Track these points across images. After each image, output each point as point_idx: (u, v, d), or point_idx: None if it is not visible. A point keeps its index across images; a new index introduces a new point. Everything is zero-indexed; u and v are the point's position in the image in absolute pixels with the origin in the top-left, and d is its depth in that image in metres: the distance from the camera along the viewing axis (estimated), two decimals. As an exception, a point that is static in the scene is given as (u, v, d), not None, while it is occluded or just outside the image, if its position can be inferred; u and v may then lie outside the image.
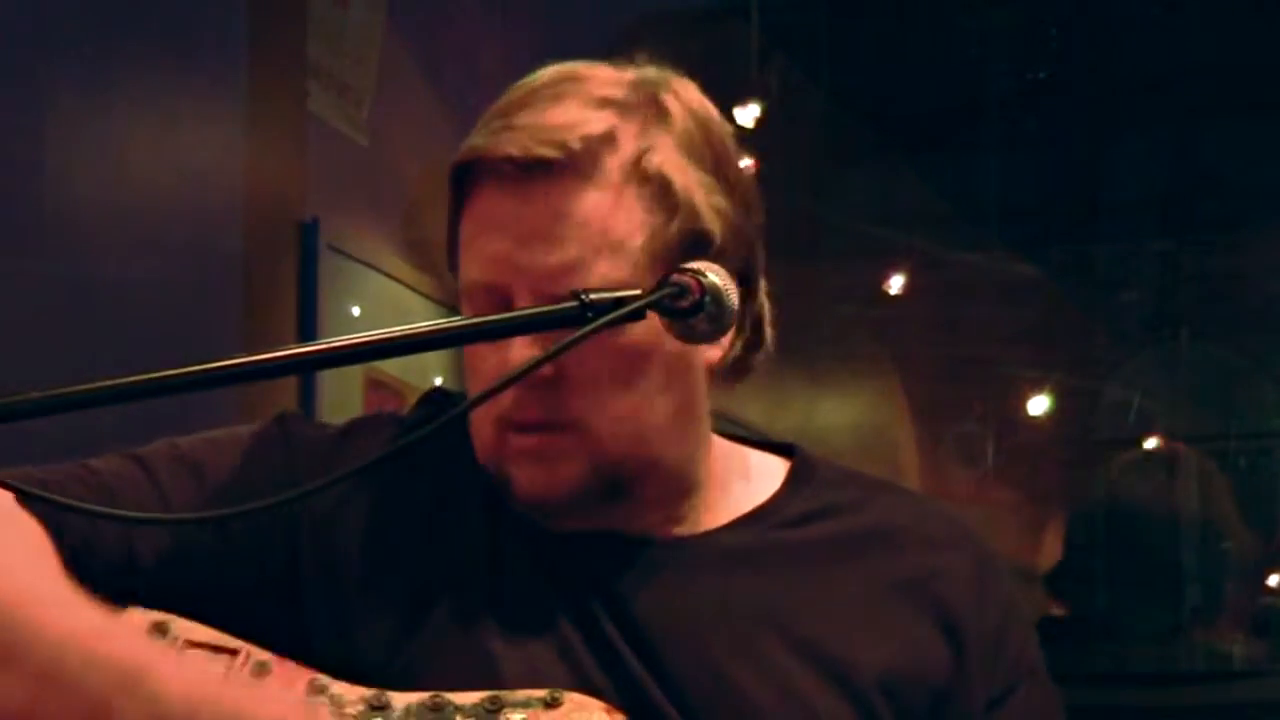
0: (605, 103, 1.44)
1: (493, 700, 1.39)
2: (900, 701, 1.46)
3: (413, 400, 1.60)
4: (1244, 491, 5.68)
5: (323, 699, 1.40)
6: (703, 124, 1.47)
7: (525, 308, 1.40)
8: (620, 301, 1.35)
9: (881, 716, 1.45)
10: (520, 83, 1.47)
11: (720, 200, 1.45)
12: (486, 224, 1.44)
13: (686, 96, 1.48)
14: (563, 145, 1.40)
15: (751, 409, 4.69)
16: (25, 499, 1.40)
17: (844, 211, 5.70)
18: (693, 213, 1.43)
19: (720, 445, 1.55)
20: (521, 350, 1.40)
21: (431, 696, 1.39)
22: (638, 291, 1.37)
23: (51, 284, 2.89)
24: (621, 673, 1.43)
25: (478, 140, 1.44)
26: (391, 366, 3.76)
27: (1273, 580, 5.49)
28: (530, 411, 1.43)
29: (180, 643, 1.43)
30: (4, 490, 1.40)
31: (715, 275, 1.39)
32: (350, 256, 3.72)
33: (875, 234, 5.64)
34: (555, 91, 1.44)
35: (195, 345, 2.55)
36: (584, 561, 1.47)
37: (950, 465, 6.07)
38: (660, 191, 1.42)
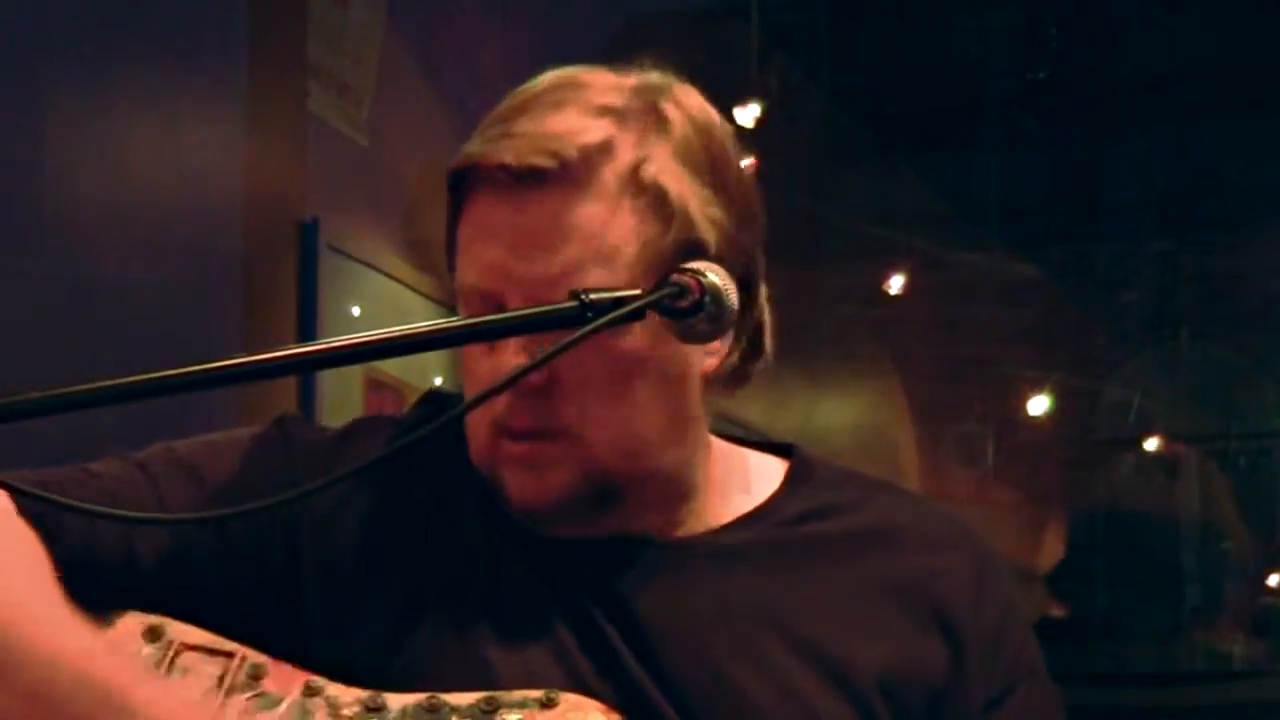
0: (604, 111, 1.43)
1: (488, 701, 1.39)
2: (898, 701, 1.46)
3: (413, 400, 1.60)
4: (1244, 491, 5.69)
5: (319, 700, 1.40)
6: (703, 132, 1.47)
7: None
8: (620, 301, 1.35)
9: (880, 716, 1.45)
10: (521, 88, 1.47)
11: (716, 211, 1.44)
12: (482, 231, 1.44)
13: (688, 104, 1.47)
14: (558, 155, 1.40)
15: (751, 409, 4.69)
16: (24, 499, 1.40)
17: (844, 211, 5.70)
18: (688, 223, 1.43)
19: (718, 447, 1.55)
20: (515, 357, 1.40)
21: (427, 698, 1.39)
22: (637, 291, 1.37)
23: (51, 284, 2.89)
24: (620, 673, 1.43)
25: (475, 147, 1.44)
26: (391, 366, 3.76)
27: (1273, 580, 5.50)
28: (521, 419, 1.43)
29: (176, 645, 1.43)
30: (3, 497, 1.40)
31: (715, 275, 1.39)
32: (350, 256, 3.72)
33: (875, 234, 5.64)
34: (555, 99, 1.44)
35: (195, 345, 2.55)
36: (581, 563, 1.47)
37: (950, 465, 6.07)
38: (656, 201, 1.42)
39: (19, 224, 2.87)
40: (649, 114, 1.45)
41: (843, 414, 6.15)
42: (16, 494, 1.39)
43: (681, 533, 1.51)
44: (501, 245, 1.42)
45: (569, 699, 1.39)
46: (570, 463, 1.43)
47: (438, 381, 3.89)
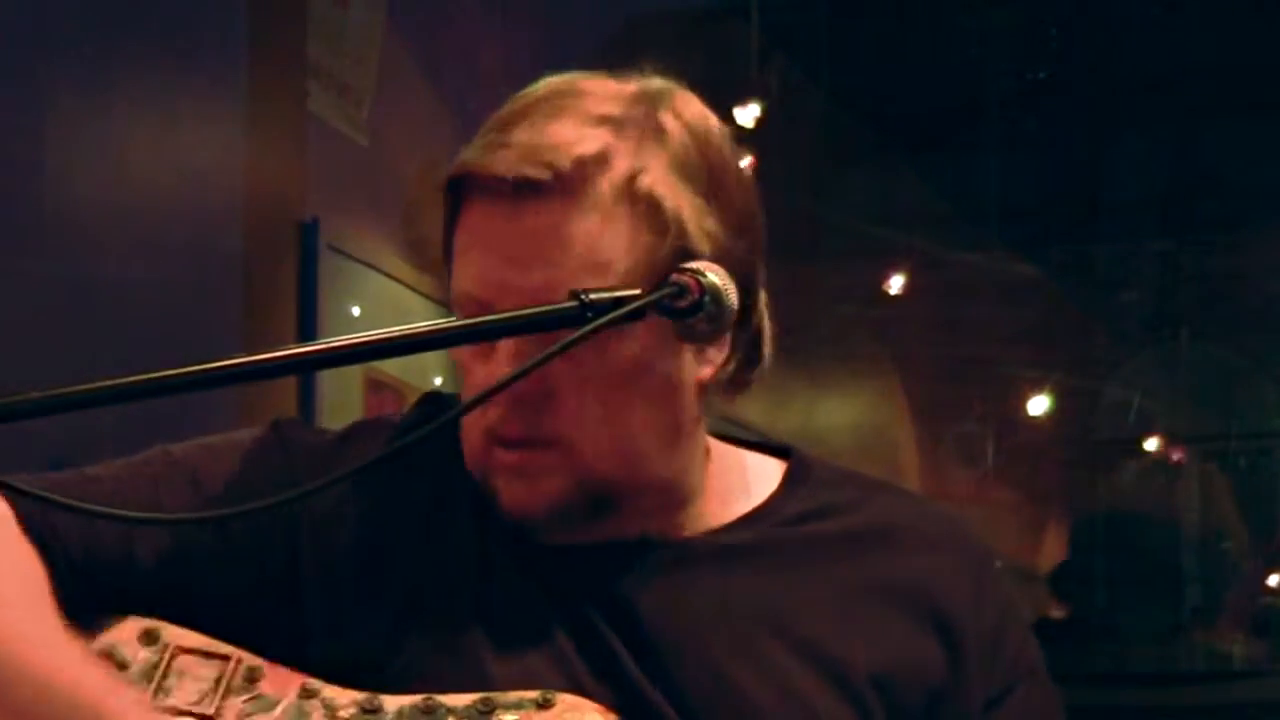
0: (602, 120, 1.43)
1: (485, 702, 1.38)
2: (897, 701, 1.46)
3: (413, 400, 1.60)
4: (1244, 491, 5.69)
5: (315, 702, 1.40)
6: (701, 142, 1.46)
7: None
8: (619, 302, 1.35)
9: (879, 716, 1.45)
10: (520, 93, 1.47)
11: (712, 223, 1.44)
12: (477, 239, 1.44)
13: (687, 113, 1.47)
14: (553, 166, 1.40)
15: (751, 409, 4.69)
16: (24, 502, 1.40)
17: (844, 211, 5.70)
18: (683, 234, 1.42)
19: (716, 449, 1.55)
20: (509, 366, 1.40)
21: (424, 699, 1.39)
22: (637, 291, 1.37)
23: (51, 284, 2.90)
24: (619, 675, 1.43)
25: (471, 155, 1.44)
26: (391, 367, 3.76)
27: (1273, 580, 5.50)
28: (513, 427, 1.43)
29: (172, 648, 1.43)
30: (3, 505, 1.40)
31: (715, 275, 1.39)
32: (350, 256, 3.72)
33: (875, 234, 5.65)
34: (553, 106, 1.44)
35: (195, 345, 2.55)
36: (578, 566, 1.47)
37: (950, 465, 6.08)
38: (651, 212, 1.42)
39: (19, 224, 2.88)
40: (647, 123, 1.44)
41: (843, 414, 6.15)
42: (16, 494, 1.39)
43: (680, 535, 1.50)
44: (496, 255, 1.42)
45: (566, 700, 1.39)
46: (563, 471, 1.43)
47: (438, 382, 3.89)
